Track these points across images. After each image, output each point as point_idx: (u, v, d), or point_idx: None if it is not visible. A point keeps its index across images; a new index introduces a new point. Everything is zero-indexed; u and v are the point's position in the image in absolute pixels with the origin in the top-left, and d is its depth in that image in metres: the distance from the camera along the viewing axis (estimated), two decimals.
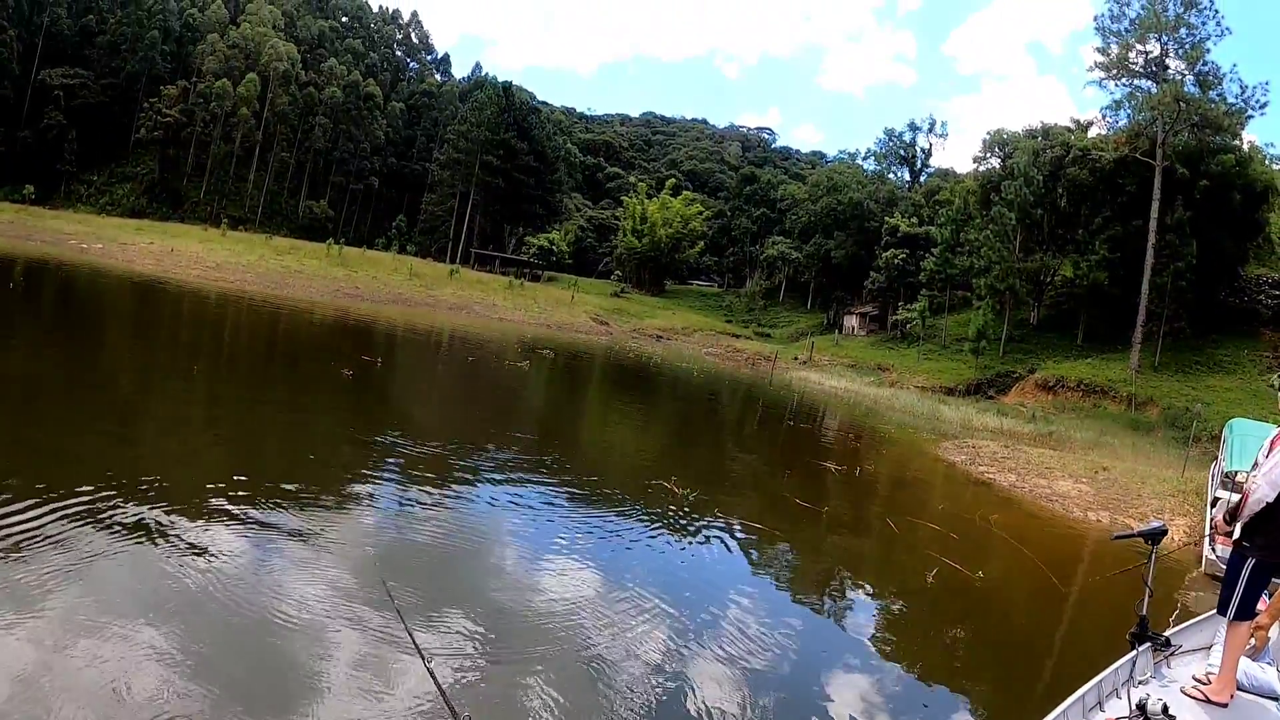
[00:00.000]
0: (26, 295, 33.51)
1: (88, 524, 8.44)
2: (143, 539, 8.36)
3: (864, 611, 10.84)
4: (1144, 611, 6.24)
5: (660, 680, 7.41)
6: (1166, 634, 6.70)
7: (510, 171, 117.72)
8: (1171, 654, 6.71)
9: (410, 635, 4.57)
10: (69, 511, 8.66)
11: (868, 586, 12.07)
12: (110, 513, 8.84)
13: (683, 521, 13.33)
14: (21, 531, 7.98)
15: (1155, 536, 6.35)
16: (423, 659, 3.86)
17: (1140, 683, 6.01)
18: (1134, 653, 6.14)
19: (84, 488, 9.43)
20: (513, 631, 7.88)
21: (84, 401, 15.42)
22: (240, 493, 10.43)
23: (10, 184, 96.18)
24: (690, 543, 12.38)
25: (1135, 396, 48.89)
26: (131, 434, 13.55)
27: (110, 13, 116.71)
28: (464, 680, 6.60)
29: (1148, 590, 6.27)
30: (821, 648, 9.09)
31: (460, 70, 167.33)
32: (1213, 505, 17.11)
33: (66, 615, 6.52)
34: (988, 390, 59.01)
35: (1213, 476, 20.29)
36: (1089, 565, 16.42)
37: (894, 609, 11.21)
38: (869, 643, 9.52)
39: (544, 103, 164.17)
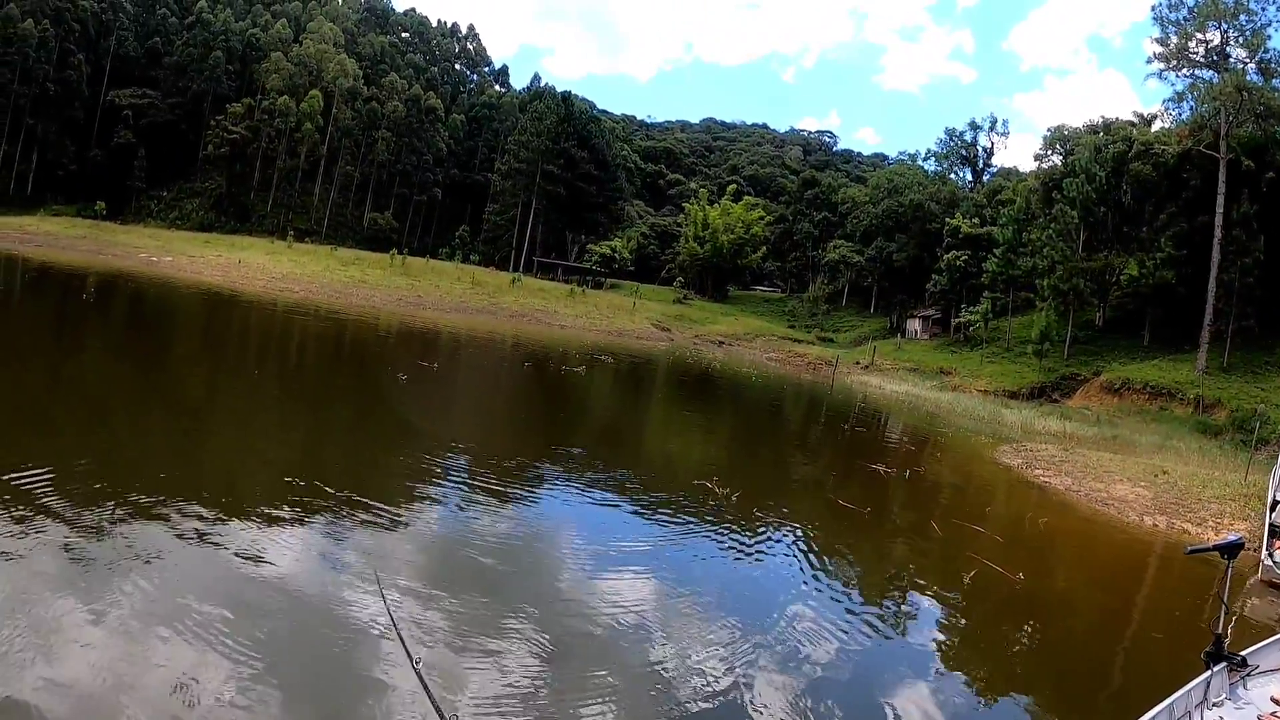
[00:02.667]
0: (99, 306, 34.54)
1: (150, 522, 8.90)
2: (195, 537, 8.75)
3: (887, 613, 10.65)
4: (1220, 629, 6.01)
5: (685, 685, 7.49)
6: (1243, 653, 6.34)
7: (571, 180, 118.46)
8: (1248, 674, 6.34)
9: (408, 653, 4.67)
10: (135, 508, 9.19)
11: (897, 587, 11.94)
12: (169, 511, 9.27)
13: (718, 521, 13.40)
14: (88, 525, 8.48)
15: (1231, 550, 5.98)
16: (418, 674, 3.97)
17: (1214, 705, 5.80)
18: (1208, 673, 5.88)
19: (146, 487, 9.92)
20: (553, 640, 7.99)
21: (150, 405, 16.05)
22: (284, 494, 10.77)
23: (83, 201, 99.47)
24: (721, 542, 12.42)
25: (1202, 399, 47.67)
26: (192, 434, 14.02)
27: (177, 35, 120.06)
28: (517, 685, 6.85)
29: (1224, 607, 6.07)
30: (840, 651, 8.93)
31: (519, 81, 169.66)
32: (1273, 509, 16.76)
33: (130, 610, 6.85)
34: (1052, 394, 57.89)
35: (1273, 479, 19.85)
36: (1139, 571, 16.14)
37: (922, 611, 11.05)
38: (887, 646, 9.46)
39: (604, 111, 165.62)
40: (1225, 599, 6.12)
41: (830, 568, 12.27)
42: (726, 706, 7.21)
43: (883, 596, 11.28)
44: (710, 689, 7.45)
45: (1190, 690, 5.73)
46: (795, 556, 12.42)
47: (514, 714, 6.48)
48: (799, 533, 13.69)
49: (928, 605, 11.33)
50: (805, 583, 11.26)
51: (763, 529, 13.49)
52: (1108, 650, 10.89)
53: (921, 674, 8.81)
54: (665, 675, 7.63)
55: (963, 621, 10.95)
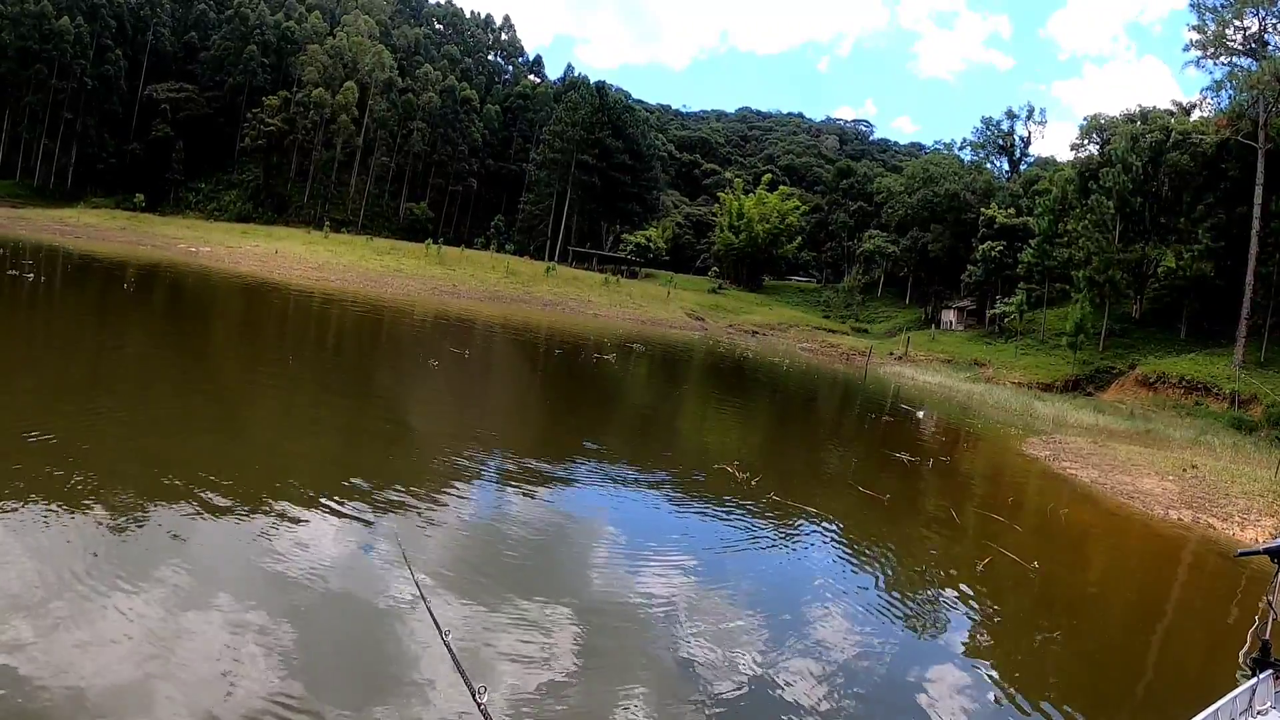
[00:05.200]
0: (139, 295, 35.15)
1: (185, 501, 9.24)
2: (230, 515, 9.04)
3: (897, 598, 10.67)
4: (1266, 635, 5.73)
5: (692, 659, 7.65)
6: None
7: (606, 170, 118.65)
8: None
9: (432, 616, 4.86)
10: (174, 489, 9.55)
11: (909, 572, 12.05)
12: (204, 491, 9.60)
13: (738, 506, 13.60)
14: (129, 501, 8.87)
15: None
16: (442, 636, 4.18)
17: (1260, 713, 5.58)
18: (1254, 680, 5.63)
19: (185, 468, 10.31)
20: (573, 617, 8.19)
21: (189, 390, 16.46)
22: (316, 477, 11.07)
23: (122, 193, 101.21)
24: (740, 526, 12.59)
25: (1238, 394, 47.21)
26: (227, 418, 14.30)
27: (214, 29, 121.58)
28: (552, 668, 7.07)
29: (1272, 613, 5.79)
30: (847, 637, 9.01)
31: (554, 71, 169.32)
32: None
33: (164, 587, 7.13)
34: (1086, 387, 57.58)
35: None
36: (1159, 564, 16.07)
37: (932, 597, 11.13)
38: (895, 631, 9.50)
39: (638, 100, 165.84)
40: (1274, 604, 5.73)
41: (844, 553, 12.38)
42: (733, 689, 7.33)
43: (894, 582, 11.35)
44: (720, 671, 7.59)
45: (1235, 697, 5.56)
46: (808, 541, 12.60)
47: (544, 690, 6.70)
48: (815, 518, 13.83)
49: (939, 591, 11.42)
50: (814, 566, 11.43)
51: (780, 514, 13.61)
52: (1119, 642, 10.93)
53: (928, 662, 8.90)
54: (665, 627, 7.81)
55: (971, 608, 10.99)
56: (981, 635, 10.05)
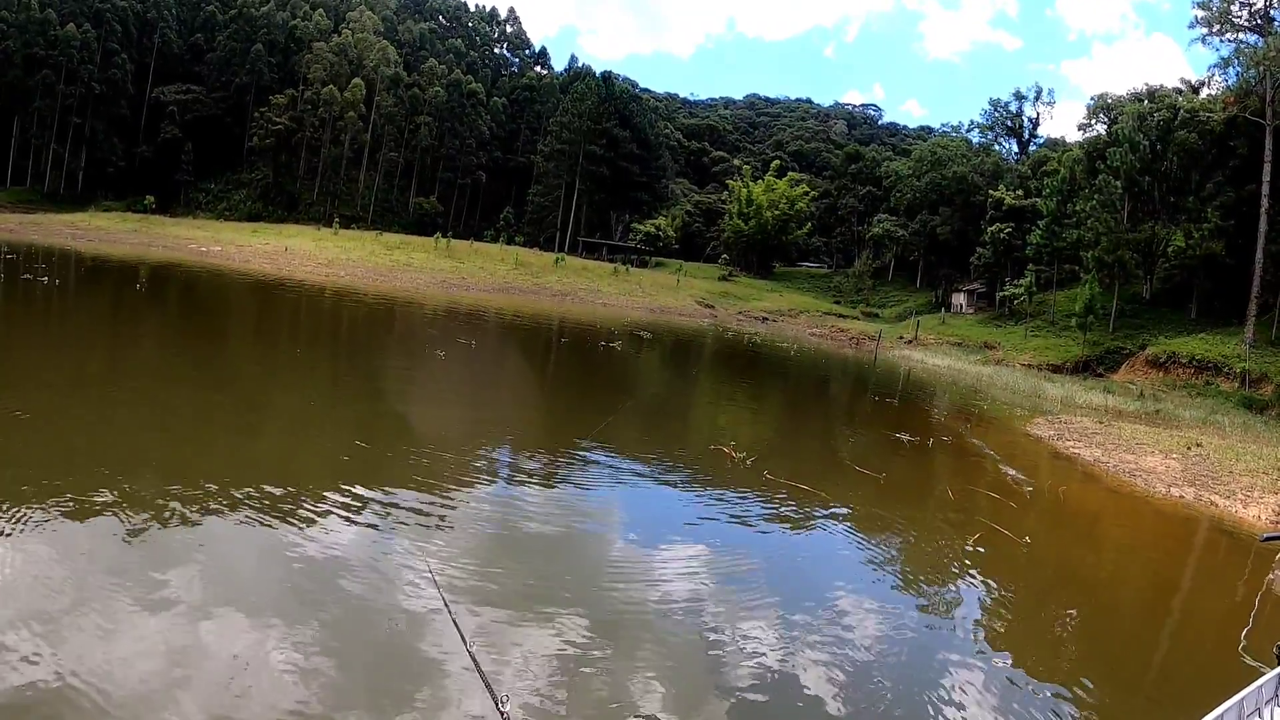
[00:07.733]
0: (152, 295, 35.50)
1: (204, 500, 9.37)
2: (249, 516, 9.16)
3: (884, 574, 10.82)
4: None
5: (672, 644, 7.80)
6: None
7: (614, 160, 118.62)
8: None
9: (457, 626, 4.98)
10: (194, 486, 9.72)
11: (895, 547, 12.16)
12: (223, 491, 9.74)
13: (730, 483, 13.86)
14: (152, 498, 9.01)
15: None
16: (466, 645, 4.31)
17: None
18: (1279, 669, 5.70)
19: (203, 465, 10.60)
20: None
21: (203, 385, 16.68)
22: (328, 472, 11.33)
23: (132, 196, 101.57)
24: (729, 503, 12.83)
25: (1249, 373, 46.98)
26: (236, 413, 14.44)
27: (220, 29, 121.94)
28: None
29: None
30: (837, 615, 9.05)
31: (559, 63, 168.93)
32: None
33: (187, 588, 7.25)
34: (1096, 368, 57.28)
35: None
36: (1153, 538, 16.13)
37: (919, 573, 11.15)
38: (881, 607, 9.53)
39: (646, 90, 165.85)
40: None
41: (833, 530, 12.50)
42: (749, 678, 7.49)
43: (879, 557, 11.54)
44: (733, 657, 7.76)
45: (1261, 686, 5.60)
46: (798, 520, 12.75)
47: (566, 688, 6.64)
48: (807, 497, 13.93)
49: (927, 565, 11.53)
50: (801, 544, 11.69)
51: (770, 492, 13.79)
52: (1102, 614, 10.98)
53: (910, 632, 8.99)
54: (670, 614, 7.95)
55: (956, 580, 11.10)
56: (962, 606, 10.20)
